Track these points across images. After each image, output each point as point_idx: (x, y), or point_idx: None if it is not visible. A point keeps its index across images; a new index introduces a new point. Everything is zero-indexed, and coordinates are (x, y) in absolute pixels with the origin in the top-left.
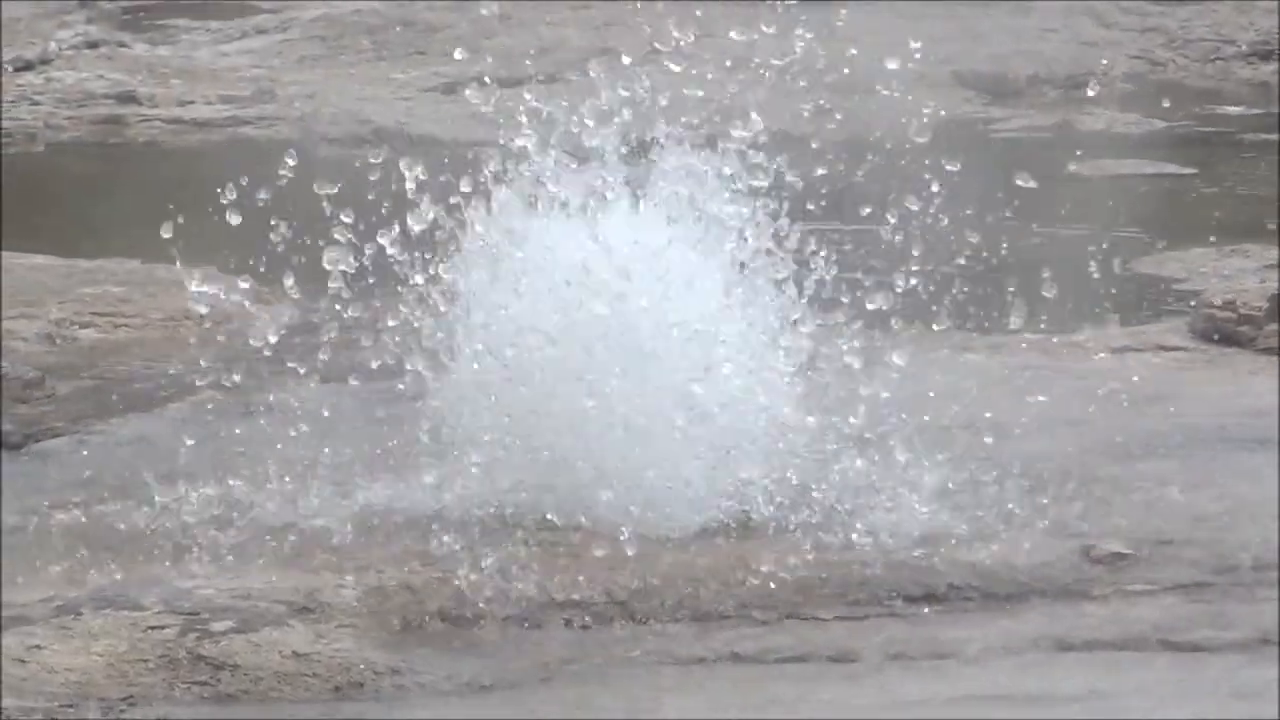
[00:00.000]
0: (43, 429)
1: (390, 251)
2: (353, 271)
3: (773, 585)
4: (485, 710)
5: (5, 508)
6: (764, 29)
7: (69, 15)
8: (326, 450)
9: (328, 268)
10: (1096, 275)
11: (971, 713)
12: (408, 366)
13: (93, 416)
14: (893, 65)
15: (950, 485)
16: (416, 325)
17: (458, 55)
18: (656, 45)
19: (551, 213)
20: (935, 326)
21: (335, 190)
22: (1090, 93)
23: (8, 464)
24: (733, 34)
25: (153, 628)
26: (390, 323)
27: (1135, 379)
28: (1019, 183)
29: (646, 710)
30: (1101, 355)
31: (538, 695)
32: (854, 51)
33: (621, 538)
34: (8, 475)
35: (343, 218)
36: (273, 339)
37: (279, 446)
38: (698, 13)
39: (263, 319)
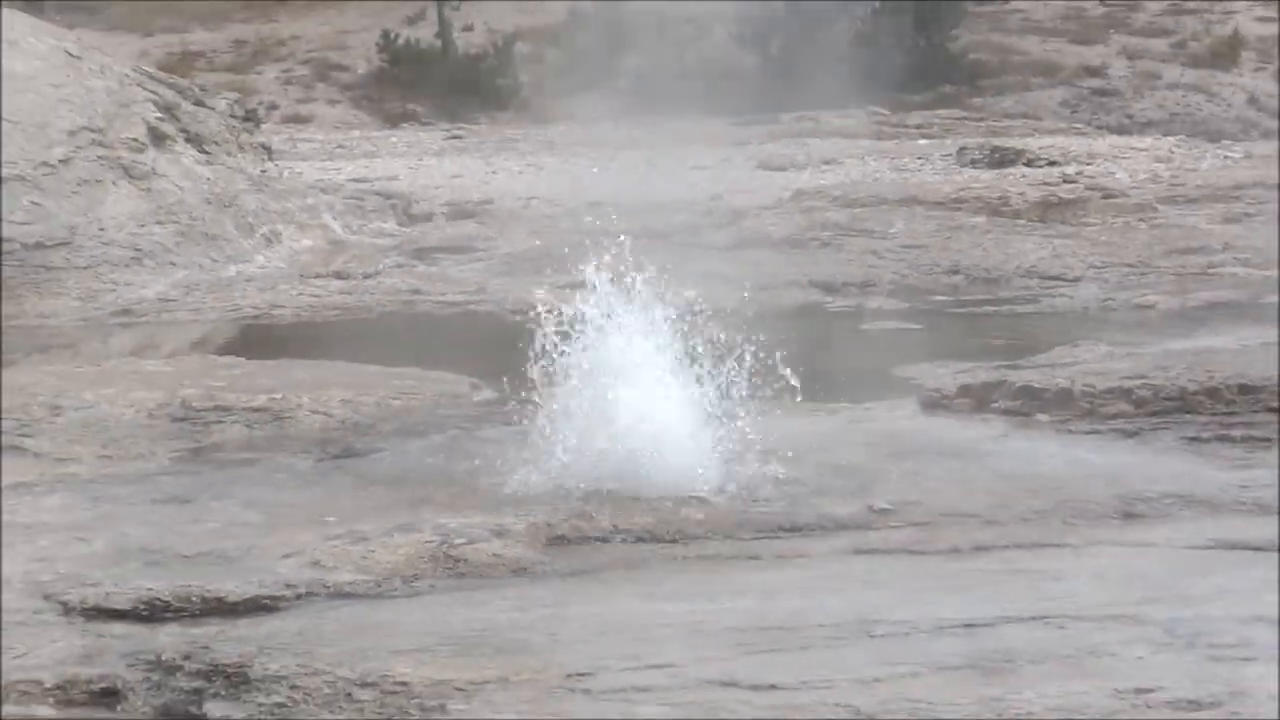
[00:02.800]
0: (375, 447)
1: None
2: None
3: (718, 521)
4: (583, 585)
5: (367, 480)
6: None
7: (389, 252)
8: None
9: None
10: (877, 378)
11: (814, 585)
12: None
13: (399, 440)
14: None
15: (805, 475)
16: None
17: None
18: None
19: None
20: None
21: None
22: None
23: (358, 464)
24: None
25: (426, 542)
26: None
27: (896, 426)
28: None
29: (658, 581)
30: (880, 414)
31: (611, 574)
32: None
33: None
34: (363, 473)
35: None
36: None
37: (488, 454)
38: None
39: (478, 396)
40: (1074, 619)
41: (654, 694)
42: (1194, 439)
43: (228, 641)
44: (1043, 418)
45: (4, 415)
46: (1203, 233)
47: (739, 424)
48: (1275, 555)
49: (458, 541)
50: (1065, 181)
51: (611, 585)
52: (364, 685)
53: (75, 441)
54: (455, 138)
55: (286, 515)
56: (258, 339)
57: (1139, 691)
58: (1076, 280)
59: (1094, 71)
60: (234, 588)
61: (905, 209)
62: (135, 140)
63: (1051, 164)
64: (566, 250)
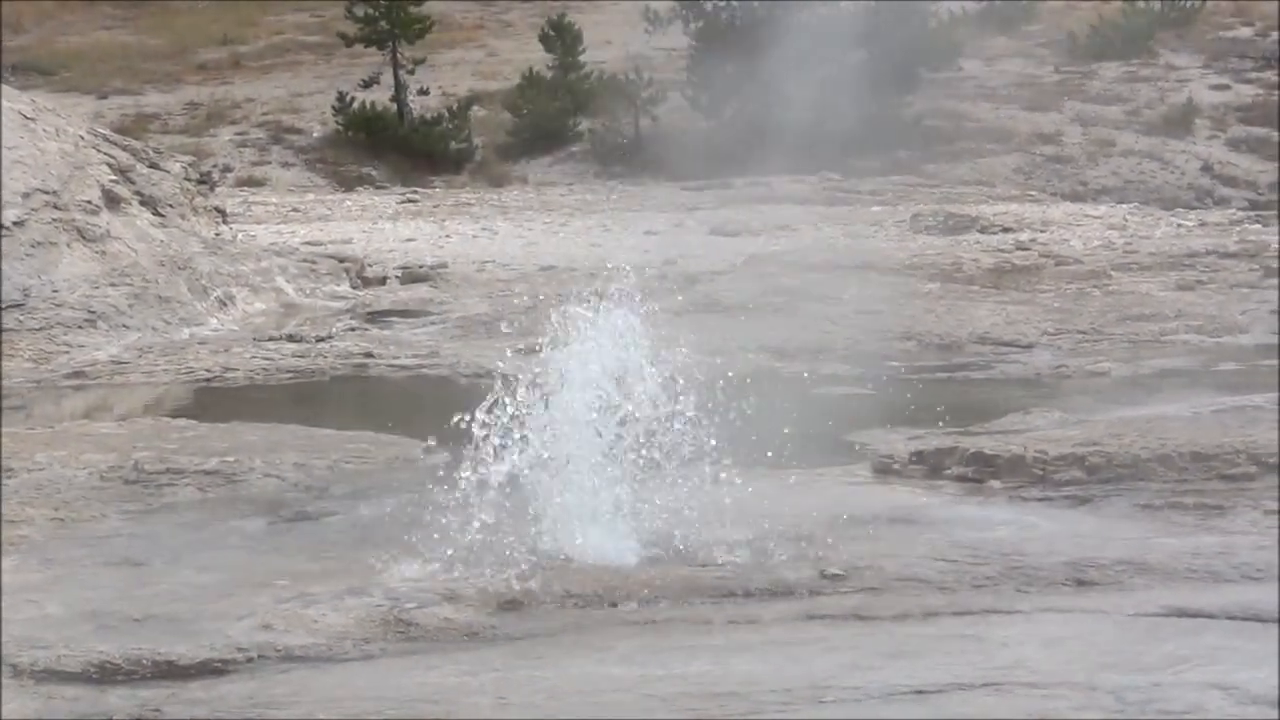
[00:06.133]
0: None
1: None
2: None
3: (669, 586)
4: (535, 649)
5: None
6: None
7: (342, 315)
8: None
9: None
10: (830, 443)
11: (765, 650)
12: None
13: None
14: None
15: (757, 540)
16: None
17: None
18: None
19: None
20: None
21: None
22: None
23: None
24: None
25: (378, 606)
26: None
27: (848, 491)
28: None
29: (609, 646)
30: (832, 480)
31: (563, 638)
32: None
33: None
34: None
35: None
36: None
37: (451, 510)
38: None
39: (427, 458)
40: (1025, 686)
41: None
42: (1146, 506)
43: (179, 704)
44: (995, 484)
45: None
46: (1156, 300)
47: (691, 489)
48: (1226, 622)
49: (408, 605)
50: (1019, 248)
51: (563, 649)
52: None
53: (27, 504)
54: (410, 201)
55: (238, 578)
56: (211, 402)
57: None
58: (1030, 347)
59: (1048, 138)
60: (185, 651)
61: (859, 275)
62: (89, 203)
63: (1005, 230)
64: (521, 315)
